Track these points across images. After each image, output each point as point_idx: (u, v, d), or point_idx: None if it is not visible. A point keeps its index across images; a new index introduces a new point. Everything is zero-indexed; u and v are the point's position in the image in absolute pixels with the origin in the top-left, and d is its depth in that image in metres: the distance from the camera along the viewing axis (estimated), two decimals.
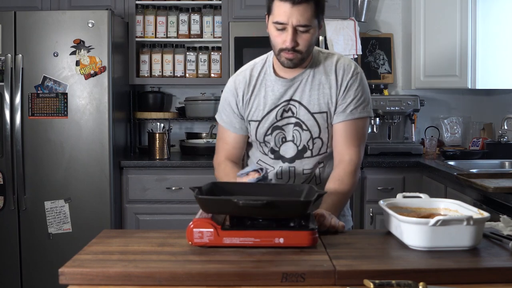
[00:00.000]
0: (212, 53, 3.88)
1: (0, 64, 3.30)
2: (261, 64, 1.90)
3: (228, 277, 1.20)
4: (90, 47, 3.32)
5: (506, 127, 3.47)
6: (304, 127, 1.84)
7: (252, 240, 1.35)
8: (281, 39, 1.72)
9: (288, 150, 1.87)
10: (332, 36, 3.64)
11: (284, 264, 1.24)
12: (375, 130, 3.87)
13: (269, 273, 1.20)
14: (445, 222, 1.33)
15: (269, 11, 1.74)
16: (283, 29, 1.70)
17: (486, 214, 1.38)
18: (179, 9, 3.89)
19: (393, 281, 1.09)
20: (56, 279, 1.22)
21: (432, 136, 3.85)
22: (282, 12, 1.68)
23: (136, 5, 3.80)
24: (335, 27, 3.65)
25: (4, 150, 3.31)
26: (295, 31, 1.69)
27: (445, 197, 2.91)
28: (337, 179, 1.79)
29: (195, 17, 3.86)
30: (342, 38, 3.65)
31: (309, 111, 1.83)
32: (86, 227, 3.30)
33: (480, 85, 3.49)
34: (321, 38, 3.66)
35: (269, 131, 1.87)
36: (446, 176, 3.00)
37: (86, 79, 3.32)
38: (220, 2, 3.77)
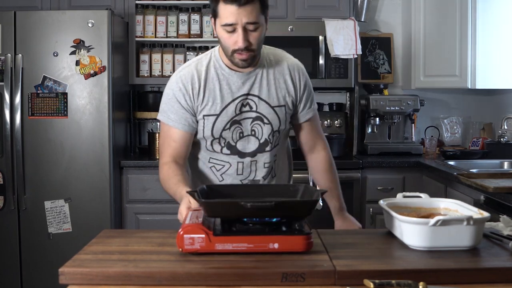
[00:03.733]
0: None
1: (0, 64, 3.30)
2: (206, 59, 1.88)
3: (228, 277, 1.20)
4: (90, 47, 3.32)
5: (506, 127, 3.47)
6: (265, 120, 1.87)
7: (246, 246, 1.31)
8: (232, 41, 1.73)
9: (248, 145, 1.88)
10: (332, 36, 3.65)
11: (284, 264, 1.24)
12: (375, 130, 3.87)
13: (269, 273, 1.20)
14: (445, 222, 1.33)
15: (215, 15, 1.73)
16: (233, 31, 1.71)
17: (486, 214, 1.38)
18: (179, 9, 3.89)
19: (393, 281, 1.09)
20: (56, 279, 1.22)
21: (432, 136, 3.85)
22: (229, 14, 1.68)
23: (136, 5, 3.80)
24: (335, 27, 3.65)
25: (4, 150, 3.31)
26: (245, 30, 1.70)
27: (445, 197, 2.91)
28: (330, 165, 2.01)
29: (195, 17, 3.86)
30: (342, 38, 3.65)
31: (269, 105, 1.87)
32: (86, 227, 3.30)
33: (480, 85, 3.49)
34: (321, 38, 3.66)
35: (228, 126, 1.85)
36: (446, 176, 3.00)
37: (86, 79, 3.32)
38: None
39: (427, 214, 1.51)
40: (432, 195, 1.73)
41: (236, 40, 1.71)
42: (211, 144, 1.89)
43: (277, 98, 1.88)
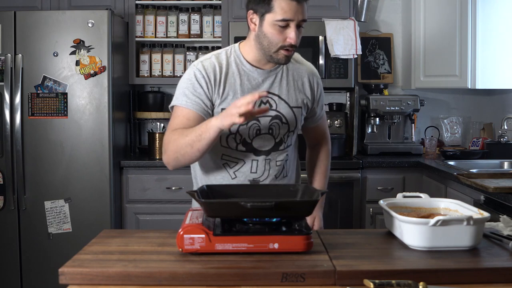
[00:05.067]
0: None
1: (0, 64, 3.30)
2: (225, 53, 1.87)
3: (228, 277, 1.20)
4: (90, 47, 3.32)
5: (506, 127, 3.47)
6: (284, 120, 1.87)
7: (246, 246, 1.31)
8: (282, 37, 1.73)
9: (264, 143, 1.87)
10: (332, 36, 3.64)
11: (284, 264, 1.24)
12: (375, 130, 3.87)
13: (269, 273, 1.20)
14: (445, 222, 1.33)
15: (266, 10, 1.73)
16: (285, 27, 1.72)
17: (486, 214, 1.38)
18: (179, 9, 3.89)
19: (393, 281, 1.09)
20: (56, 279, 1.22)
21: (432, 136, 3.85)
22: (288, 9, 1.70)
23: (136, 5, 3.80)
24: (335, 27, 3.65)
25: (4, 150, 3.31)
26: (297, 27, 1.73)
27: (445, 197, 2.91)
28: (327, 155, 2.11)
29: (195, 17, 3.86)
30: (342, 38, 3.64)
31: (288, 105, 1.88)
32: (86, 227, 3.30)
33: (480, 85, 3.49)
34: (321, 38, 3.66)
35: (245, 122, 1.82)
36: (446, 176, 3.00)
37: (86, 79, 3.32)
38: (220, 2, 3.77)
39: (427, 214, 1.51)
40: (432, 195, 1.73)
41: (286, 37, 1.73)
42: (227, 140, 1.86)
43: (296, 99, 1.89)
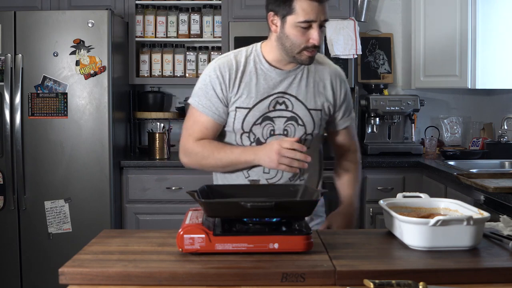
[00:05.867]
0: (212, 53, 3.88)
1: (0, 64, 3.30)
2: (245, 52, 1.87)
3: (228, 277, 1.20)
4: (90, 47, 3.32)
5: (506, 127, 3.47)
6: (300, 122, 1.84)
7: (246, 246, 1.30)
8: (305, 38, 1.72)
9: None
10: (332, 36, 3.64)
11: (284, 264, 1.24)
12: (375, 130, 3.87)
13: (269, 273, 1.20)
14: (445, 222, 1.33)
15: (288, 12, 1.71)
16: (307, 28, 1.71)
17: (486, 214, 1.37)
18: (179, 9, 3.89)
19: (393, 281, 1.09)
20: (56, 279, 1.22)
21: (432, 136, 3.85)
22: (310, 10, 1.68)
23: (136, 5, 3.80)
24: (335, 27, 3.65)
25: (4, 150, 3.31)
26: (319, 28, 1.72)
27: (445, 197, 2.91)
28: (356, 169, 2.01)
29: (195, 17, 3.86)
30: (342, 38, 3.64)
31: (306, 107, 1.85)
32: (86, 227, 3.30)
33: (480, 85, 3.49)
34: None
35: (259, 121, 1.82)
36: (446, 176, 3.00)
37: (86, 79, 3.32)
38: (220, 2, 3.77)
39: (427, 214, 1.51)
40: (432, 195, 1.73)
41: (309, 38, 1.72)
42: (241, 138, 1.85)
43: (314, 102, 1.85)
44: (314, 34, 1.71)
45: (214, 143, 1.83)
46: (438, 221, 1.32)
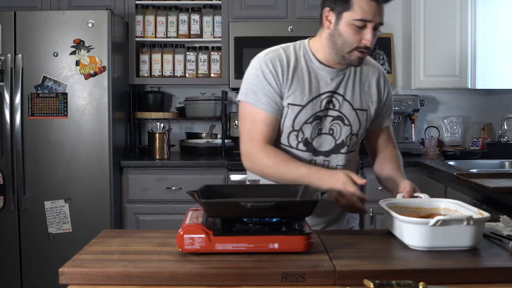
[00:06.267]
0: (212, 53, 3.88)
1: (0, 64, 3.30)
2: (293, 47, 1.82)
3: (228, 277, 1.20)
4: (90, 47, 3.32)
5: (506, 127, 3.47)
6: (346, 121, 1.81)
7: (246, 246, 1.30)
8: (358, 37, 1.68)
9: (324, 143, 1.81)
10: None
11: (284, 264, 1.24)
12: None
13: (269, 273, 1.20)
14: (445, 222, 1.33)
15: (345, 8, 1.68)
16: (362, 27, 1.67)
17: (486, 214, 1.37)
18: (179, 9, 3.90)
19: (393, 281, 1.09)
20: (56, 279, 1.22)
21: (432, 136, 3.85)
22: (368, 9, 1.65)
23: (136, 5, 3.80)
24: None
25: (4, 150, 3.31)
26: (373, 29, 1.68)
27: (445, 197, 2.91)
28: (397, 156, 1.98)
29: (195, 17, 3.86)
30: None
31: (352, 107, 1.82)
32: (86, 227, 3.30)
33: (480, 85, 3.49)
34: None
35: (310, 119, 1.77)
36: (446, 176, 3.00)
37: (86, 79, 3.32)
38: (220, 2, 3.77)
39: (427, 214, 1.51)
40: (432, 195, 1.73)
41: (362, 38, 1.67)
42: (288, 137, 1.80)
43: (360, 101, 1.82)
44: (367, 34, 1.67)
45: (279, 154, 1.74)
46: (438, 221, 1.32)
